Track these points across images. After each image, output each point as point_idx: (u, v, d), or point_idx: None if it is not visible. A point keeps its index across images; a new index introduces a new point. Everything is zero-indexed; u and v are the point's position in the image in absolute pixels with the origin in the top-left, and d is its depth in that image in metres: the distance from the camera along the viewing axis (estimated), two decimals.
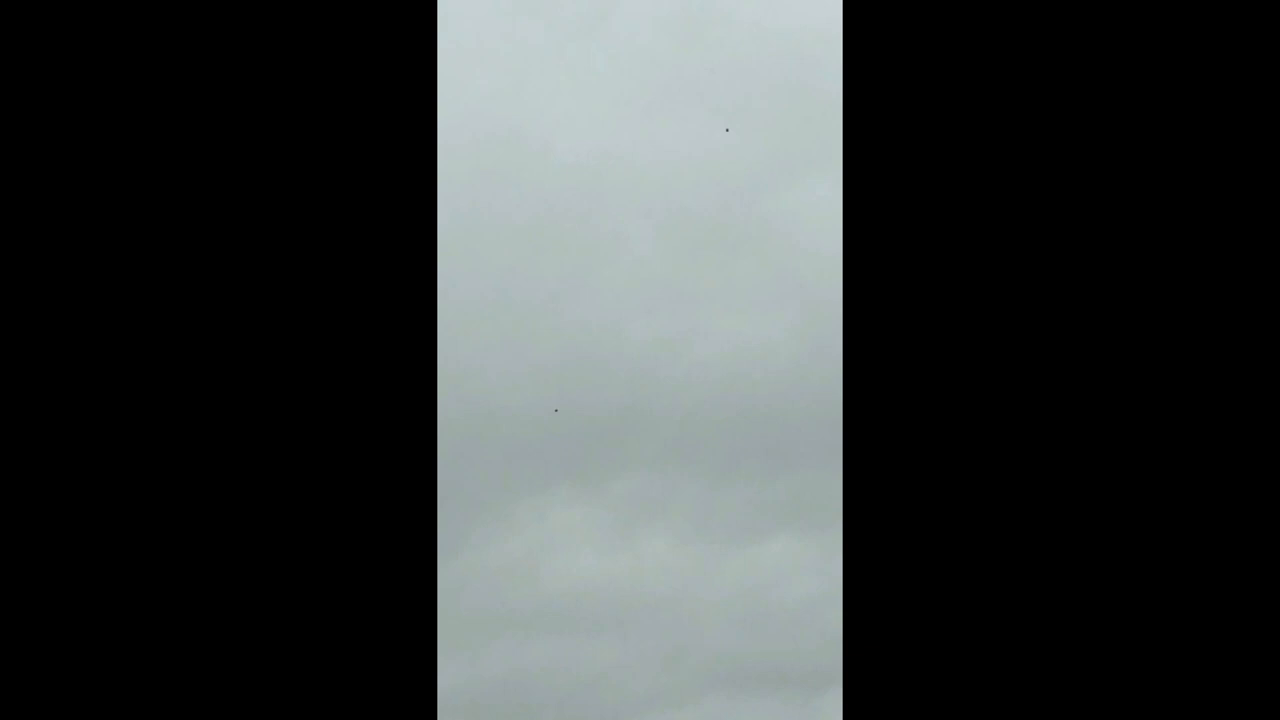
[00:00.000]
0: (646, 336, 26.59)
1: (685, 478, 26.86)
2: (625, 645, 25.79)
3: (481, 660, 25.43)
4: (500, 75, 26.63)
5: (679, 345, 26.54)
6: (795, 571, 25.85)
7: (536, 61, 26.73)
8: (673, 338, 26.54)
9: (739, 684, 25.48)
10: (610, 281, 26.56)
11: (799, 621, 25.24)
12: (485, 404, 25.86)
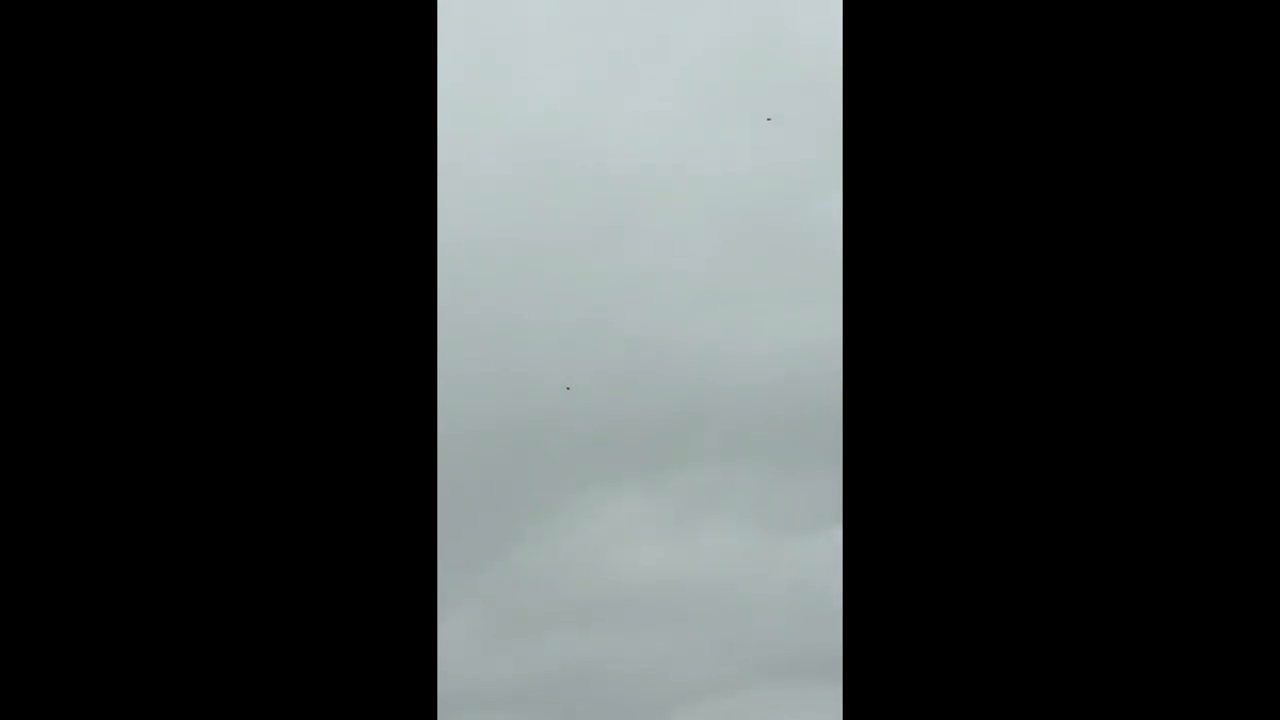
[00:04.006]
0: (703, 335, 26.76)
1: (743, 472, 27.14)
2: (682, 635, 26.00)
3: (540, 650, 25.84)
4: (556, 84, 26.90)
5: (735, 343, 26.72)
6: None
7: (591, 71, 27.01)
8: (729, 336, 26.72)
9: (792, 673, 25.54)
10: (666, 283, 26.75)
11: None
12: (546, 402, 26.13)
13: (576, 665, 25.75)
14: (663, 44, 26.87)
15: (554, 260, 26.46)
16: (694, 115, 26.71)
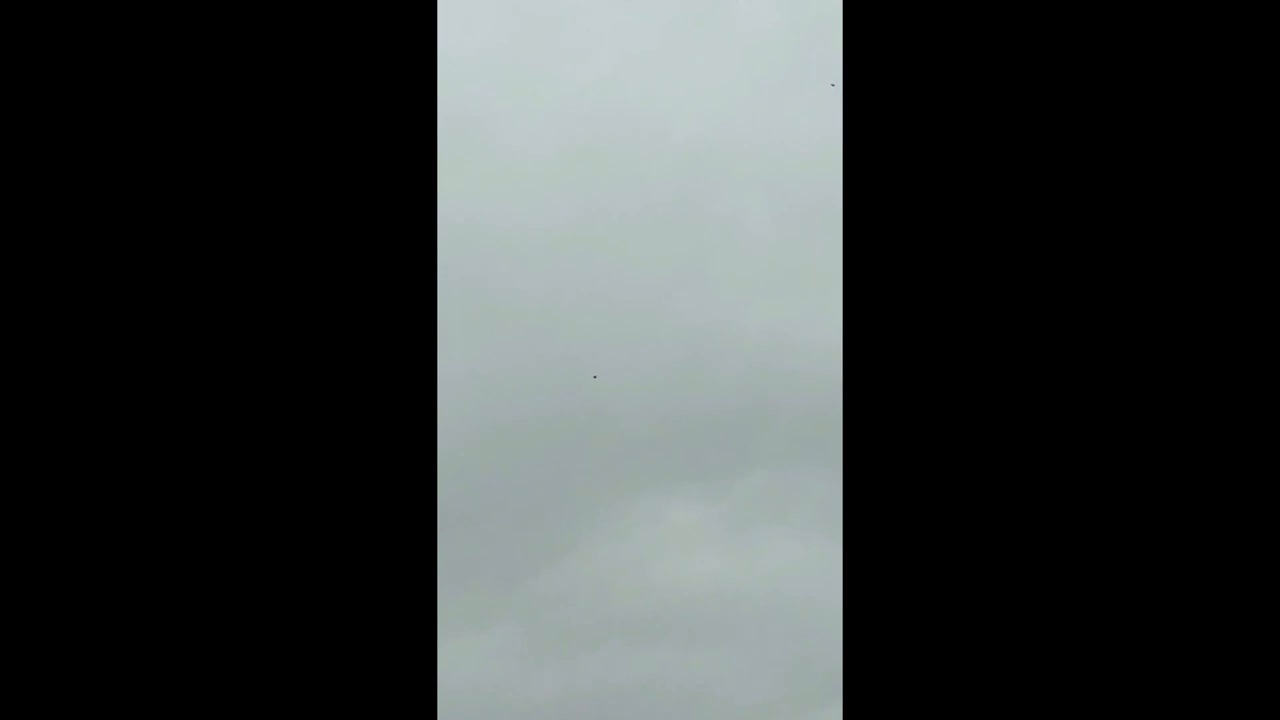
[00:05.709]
0: (767, 320, 26.10)
1: (809, 474, 26.16)
2: (741, 654, 25.29)
3: (585, 668, 25.17)
4: (616, 57, 26.49)
5: (802, 330, 25.85)
6: None
7: (653, 44, 26.57)
8: (795, 321, 25.96)
9: None
10: (726, 268, 26.20)
11: None
12: (593, 397, 25.59)
13: (625, 685, 25.06)
14: (727, 12, 26.63)
15: (602, 240, 25.96)
16: (756, 84, 26.24)
